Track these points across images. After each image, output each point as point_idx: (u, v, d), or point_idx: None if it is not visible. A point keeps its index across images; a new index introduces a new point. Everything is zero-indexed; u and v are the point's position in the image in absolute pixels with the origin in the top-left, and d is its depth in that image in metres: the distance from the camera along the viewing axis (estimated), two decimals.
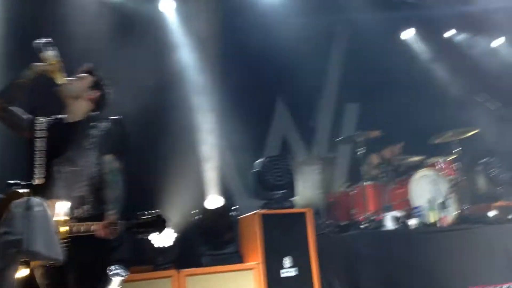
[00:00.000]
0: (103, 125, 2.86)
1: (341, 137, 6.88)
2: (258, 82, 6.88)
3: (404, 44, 8.18)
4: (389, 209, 5.42)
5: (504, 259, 5.26)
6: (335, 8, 7.29)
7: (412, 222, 5.27)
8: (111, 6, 5.68)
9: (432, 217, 5.41)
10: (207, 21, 5.96)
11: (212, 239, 5.13)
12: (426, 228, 5.35)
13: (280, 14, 6.73)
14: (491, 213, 6.05)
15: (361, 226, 5.39)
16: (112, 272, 2.55)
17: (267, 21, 6.69)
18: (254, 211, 5.22)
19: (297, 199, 5.60)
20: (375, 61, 7.42)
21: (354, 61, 7.74)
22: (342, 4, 7.14)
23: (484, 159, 6.76)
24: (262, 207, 5.33)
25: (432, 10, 7.52)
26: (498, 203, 6.39)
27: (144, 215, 2.59)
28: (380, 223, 5.34)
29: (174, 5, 6.40)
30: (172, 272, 4.59)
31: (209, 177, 5.75)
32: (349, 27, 7.80)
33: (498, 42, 8.40)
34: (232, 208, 5.47)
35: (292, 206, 5.40)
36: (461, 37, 8.36)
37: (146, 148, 5.42)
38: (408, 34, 8.17)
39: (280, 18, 6.71)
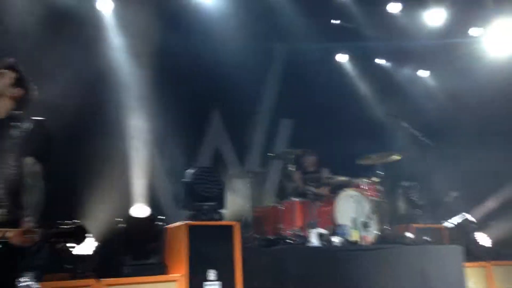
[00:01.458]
0: (25, 125, 2.70)
1: (273, 153, 6.95)
2: (194, 92, 6.83)
3: (337, 68, 8.50)
4: (314, 225, 5.53)
5: (419, 278, 5.52)
6: (274, 29, 7.42)
7: (336, 239, 5.41)
8: (44, 1, 5.41)
9: (354, 236, 5.60)
10: (146, 26, 5.83)
11: (136, 249, 4.98)
12: (349, 246, 5.52)
13: (221, 24, 6.72)
14: (409, 234, 6.35)
15: (288, 241, 5.45)
16: (22, 284, 2.38)
17: (208, 30, 6.67)
18: (182, 222, 5.14)
19: (226, 211, 5.58)
20: (310, 82, 7.62)
21: (290, 80, 7.92)
22: (281, 27, 7.29)
23: (405, 183, 7.11)
24: (190, 218, 5.26)
25: (365, 38, 7.88)
26: (415, 225, 6.74)
27: (64, 224, 2.44)
28: (306, 239, 5.44)
29: (112, 6, 6.23)
30: (91, 281, 4.42)
31: (136, 184, 5.60)
32: (287, 48, 7.97)
33: (424, 73, 8.98)
34: (159, 217, 5.35)
35: (220, 219, 5.37)
36: (390, 65, 8.84)
37: (71, 151, 5.17)
38: (342, 59, 8.53)
39: (221, 28, 6.70)
